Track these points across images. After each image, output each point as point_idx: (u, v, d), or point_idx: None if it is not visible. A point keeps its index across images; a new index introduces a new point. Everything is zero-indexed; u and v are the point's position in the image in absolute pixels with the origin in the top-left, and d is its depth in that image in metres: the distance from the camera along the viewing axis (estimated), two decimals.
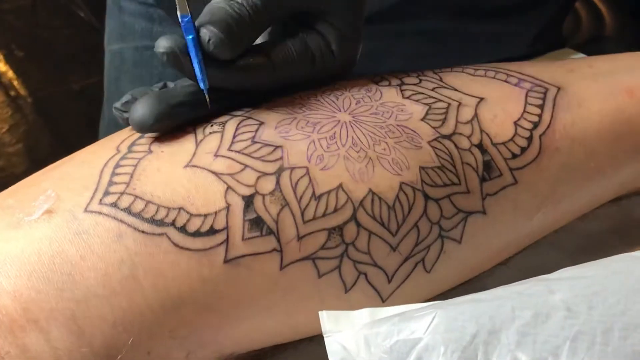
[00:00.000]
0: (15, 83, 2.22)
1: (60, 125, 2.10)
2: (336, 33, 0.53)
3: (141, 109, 0.48)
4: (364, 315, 0.44)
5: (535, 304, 0.42)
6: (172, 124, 0.49)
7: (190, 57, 0.48)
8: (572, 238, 0.59)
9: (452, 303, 0.43)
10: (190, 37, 0.48)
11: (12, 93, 2.19)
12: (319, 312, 0.44)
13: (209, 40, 0.48)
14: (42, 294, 0.43)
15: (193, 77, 0.49)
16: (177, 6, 0.49)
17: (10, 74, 2.25)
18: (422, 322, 0.42)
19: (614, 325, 0.41)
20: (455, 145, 0.51)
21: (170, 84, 0.52)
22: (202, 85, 0.49)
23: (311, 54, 0.52)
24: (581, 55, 0.80)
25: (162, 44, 0.48)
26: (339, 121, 0.50)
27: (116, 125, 0.52)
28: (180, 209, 0.45)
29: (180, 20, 0.48)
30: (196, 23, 0.49)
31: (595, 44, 1.19)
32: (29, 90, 2.20)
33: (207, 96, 0.49)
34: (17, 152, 2.03)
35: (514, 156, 0.52)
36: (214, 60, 0.49)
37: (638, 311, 0.42)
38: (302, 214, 0.46)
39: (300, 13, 0.53)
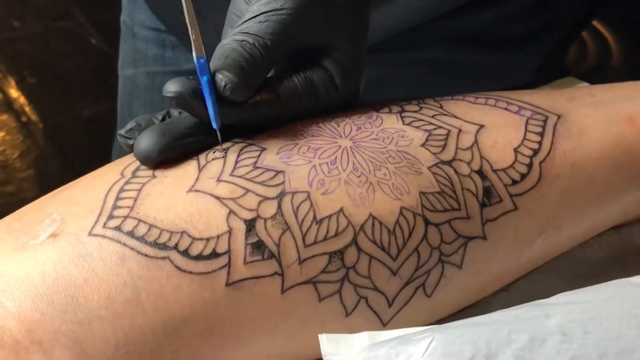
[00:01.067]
0: (27, 109, 2.24)
1: (71, 152, 2.12)
2: (339, 67, 0.54)
3: (145, 142, 0.49)
4: (363, 338, 0.44)
5: (531, 328, 0.42)
6: (175, 156, 0.50)
7: (202, 97, 0.49)
8: (572, 265, 0.59)
9: (450, 327, 0.43)
10: (205, 78, 0.49)
11: (24, 119, 2.21)
12: (319, 335, 0.44)
13: (225, 85, 0.49)
14: (46, 316, 0.43)
15: (202, 117, 0.50)
16: (193, 48, 0.50)
17: (22, 100, 2.27)
18: (419, 345, 0.42)
19: (609, 350, 0.41)
20: (455, 171, 0.51)
21: (174, 112, 0.53)
22: (214, 125, 0.50)
23: (316, 89, 0.53)
24: (585, 84, 0.80)
25: (170, 89, 0.49)
26: (340, 146, 0.51)
27: None
28: (182, 232, 0.46)
29: (195, 61, 0.49)
30: (211, 66, 0.50)
31: (600, 74, 1.19)
32: (40, 116, 2.21)
33: (219, 134, 0.50)
34: (28, 178, 2.04)
35: (514, 182, 0.53)
36: (225, 100, 0.50)
37: (633, 336, 0.42)
38: (304, 238, 0.47)
39: (305, 49, 0.54)
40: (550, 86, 0.81)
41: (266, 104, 0.51)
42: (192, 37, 0.50)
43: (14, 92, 2.31)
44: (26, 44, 2.51)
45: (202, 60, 0.49)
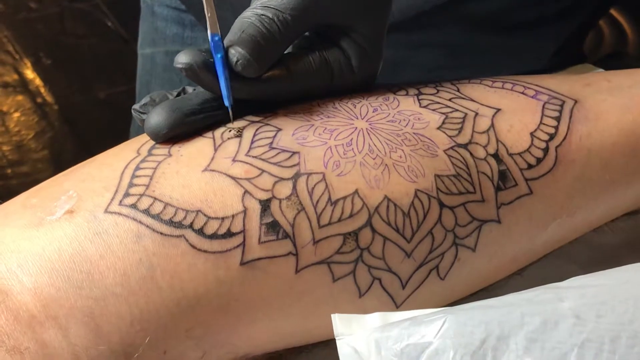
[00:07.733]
0: (42, 90, 2.24)
1: (85, 133, 2.12)
2: (357, 49, 0.54)
3: (155, 117, 0.49)
4: (376, 319, 0.44)
5: (544, 311, 0.42)
6: (185, 132, 0.50)
7: (213, 70, 0.49)
8: (585, 250, 0.59)
9: (462, 308, 0.43)
10: (219, 55, 0.49)
11: (39, 100, 2.21)
12: (332, 315, 0.44)
13: (237, 61, 0.49)
14: (62, 292, 0.44)
15: (212, 89, 0.50)
16: (208, 25, 0.50)
17: (38, 81, 2.27)
18: (432, 326, 0.42)
19: (622, 333, 0.42)
20: (471, 154, 0.51)
21: (189, 89, 0.53)
22: (226, 102, 0.50)
23: (330, 69, 0.53)
24: (601, 70, 0.80)
25: (181, 60, 0.49)
26: (356, 128, 0.51)
27: None
28: (198, 211, 0.46)
29: (210, 38, 0.49)
30: (225, 41, 0.50)
31: (616, 61, 1.19)
32: (56, 97, 2.22)
33: (230, 112, 0.50)
34: (43, 159, 2.04)
35: (530, 167, 0.53)
36: (237, 75, 0.50)
37: None
38: (318, 218, 0.47)
39: (324, 27, 0.54)
40: (566, 72, 0.81)
41: (278, 80, 0.51)
42: (208, 14, 0.50)
43: (29, 73, 2.31)
44: (42, 25, 2.51)
45: (216, 38, 0.49)
